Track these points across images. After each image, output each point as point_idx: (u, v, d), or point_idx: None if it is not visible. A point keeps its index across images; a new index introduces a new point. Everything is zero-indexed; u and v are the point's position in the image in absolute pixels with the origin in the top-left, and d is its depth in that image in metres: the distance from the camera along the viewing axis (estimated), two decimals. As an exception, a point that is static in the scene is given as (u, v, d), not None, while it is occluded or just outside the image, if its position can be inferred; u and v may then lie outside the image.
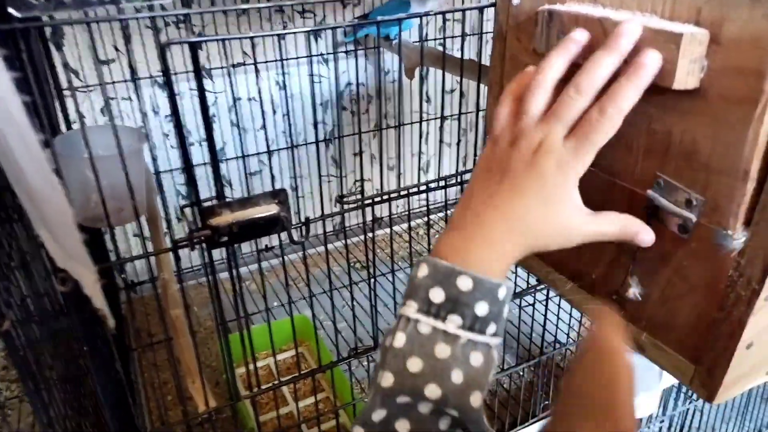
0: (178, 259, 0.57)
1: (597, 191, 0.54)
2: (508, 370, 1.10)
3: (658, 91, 0.44)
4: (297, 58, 1.48)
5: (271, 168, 1.57)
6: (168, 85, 0.54)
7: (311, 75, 1.50)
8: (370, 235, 0.69)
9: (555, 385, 1.10)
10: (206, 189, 1.52)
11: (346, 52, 1.58)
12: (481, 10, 0.80)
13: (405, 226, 1.77)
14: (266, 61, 1.48)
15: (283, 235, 0.59)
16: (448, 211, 1.86)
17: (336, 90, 1.62)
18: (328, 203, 1.70)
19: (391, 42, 1.46)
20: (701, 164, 0.44)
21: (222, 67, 1.43)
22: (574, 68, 0.51)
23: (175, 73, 1.37)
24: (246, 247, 1.65)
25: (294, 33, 0.57)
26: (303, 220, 0.66)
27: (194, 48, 0.51)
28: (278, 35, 0.54)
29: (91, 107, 1.37)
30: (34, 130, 0.34)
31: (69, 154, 0.67)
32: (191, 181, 0.55)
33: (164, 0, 0.49)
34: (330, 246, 1.68)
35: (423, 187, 0.68)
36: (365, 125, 1.70)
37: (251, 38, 0.54)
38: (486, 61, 1.69)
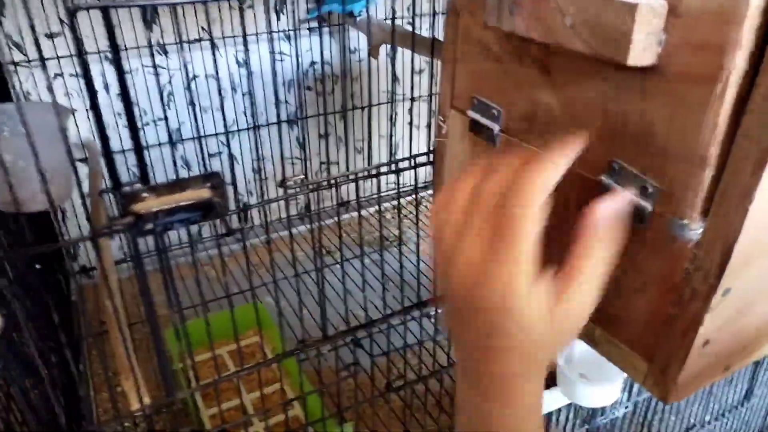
0: (97, 248, 0.53)
1: (550, 177, 0.50)
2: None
3: (613, 67, 0.41)
4: (257, 33, 1.42)
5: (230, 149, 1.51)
6: (81, 60, 0.48)
7: (272, 53, 1.44)
8: (324, 222, 0.64)
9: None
10: (163, 173, 1.46)
11: (309, 29, 1.52)
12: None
13: (372, 210, 1.73)
14: (223, 37, 1.41)
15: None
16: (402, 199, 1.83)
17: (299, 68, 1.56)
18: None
19: (355, 19, 1.40)
20: (658, 149, 0.40)
21: (177, 43, 1.36)
22: (539, 47, 0.48)
23: (126, 49, 1.30)
24: (206, 231, 1.59)
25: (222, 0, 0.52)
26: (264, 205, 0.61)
27: (107, 14, 0.46)
28: (204, 1, 0.49)
29: (35, 84, 1.30)
30: None
31: (-17, 133, 0.61)
32: (110, 163, 0.50)
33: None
34: (294, 230, 1.63)
35: (374, 171, 0.64)
36: (330, 106, 1.64)
37: (172, 5, 0.49)
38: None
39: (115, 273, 0.78)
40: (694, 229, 0.39)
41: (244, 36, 0.52)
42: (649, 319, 0.45)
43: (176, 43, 1.36)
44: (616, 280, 0.47)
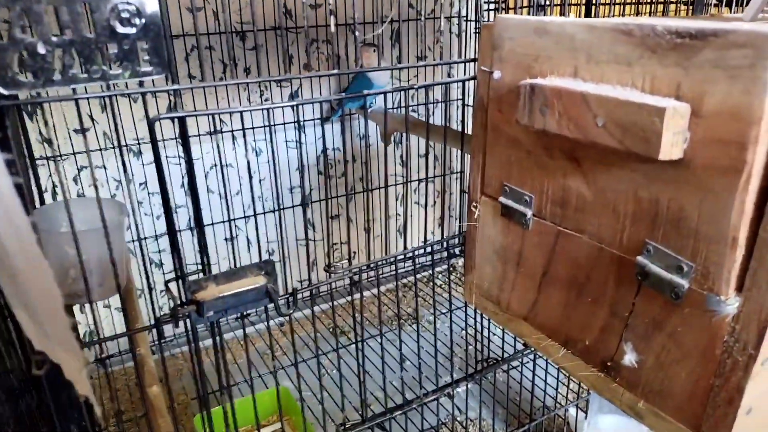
0: (161, 335, 0.55)
1: (585, 258, 0.55)
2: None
3: (643, 160, 0.46)
4: (274, 125, 1.50)
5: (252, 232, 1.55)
6: (156, 161, 0.53)
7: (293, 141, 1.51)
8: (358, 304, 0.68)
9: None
10: (190, 255, 1.49)
11: (323, 119, 1.61)
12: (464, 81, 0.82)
13: (390, 285, 1.76)
14: (243, 129, 1.49)
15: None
16: (436, 269, 1.85)
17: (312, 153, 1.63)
18: (304, 268, 1.69)
19: (367, 110, 1.49)
20: (690, 231, 0.45)
21: (198, 135, 1.44)
22: (568, 142, 0.53)
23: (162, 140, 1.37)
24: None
25: (281, 107, 0.57)
26: (286, 285, 0.65)
27: (183, 122, 0.51)
28: (266, 109, 0.55)
29: (65, 176, 1.35)
30: (24, 213, 0.33)
31: (46, 229, 0.65)
32: (176, 254, 0.54)
33: (155, 75, 0.50)
34: (308, 311, 1.65)
35: (409, 254, 0.68)
36: (342, 189, 1.71)
37: (241, 113, 0.55)
38: (452, 122, 1.72)
39: (152, 360, 0.80)
40: (731, 304, 0.43)
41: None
42: (693, 389, 0.47)
43: (197, 135, 1.44)
44: (657, 353, 0.50)
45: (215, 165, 1.50)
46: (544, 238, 0.59)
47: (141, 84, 0.49)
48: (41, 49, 0.43)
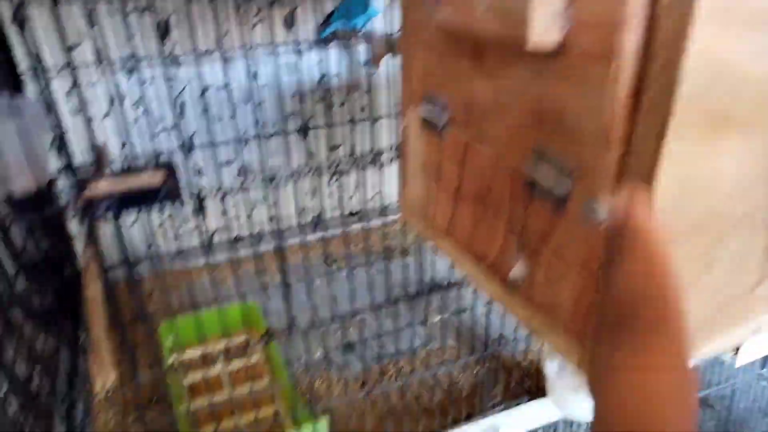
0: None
1: (486, 169, 0.51)
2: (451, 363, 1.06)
3: (529, 55, 0.41)
4: (272, 44, 1.47)
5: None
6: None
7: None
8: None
9: (504, 381, 1.06)
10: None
11: (317, 42, 1.56)
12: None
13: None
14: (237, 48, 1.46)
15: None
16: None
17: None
18: (302, 196, 1.68)
19: (356, 34, 1.43)
20: (570, 131, 0.40)
21: (191, 54, 1.42)
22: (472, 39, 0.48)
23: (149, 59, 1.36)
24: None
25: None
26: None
27: None
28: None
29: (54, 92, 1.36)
30: None
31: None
32: (64, 149, 0.53)
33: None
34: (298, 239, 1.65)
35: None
36: (338, 117, 1.67)
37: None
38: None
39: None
40: (605, 210, 0.39)
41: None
42: (577, 303, 0.44)
43: (192, 55, 1.41)
44: (545, 268, 0.47)
45: (207, 87, 1.48)
46: (457, 150, 0.56)
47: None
48: None
